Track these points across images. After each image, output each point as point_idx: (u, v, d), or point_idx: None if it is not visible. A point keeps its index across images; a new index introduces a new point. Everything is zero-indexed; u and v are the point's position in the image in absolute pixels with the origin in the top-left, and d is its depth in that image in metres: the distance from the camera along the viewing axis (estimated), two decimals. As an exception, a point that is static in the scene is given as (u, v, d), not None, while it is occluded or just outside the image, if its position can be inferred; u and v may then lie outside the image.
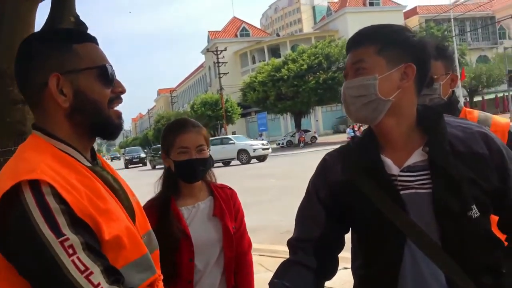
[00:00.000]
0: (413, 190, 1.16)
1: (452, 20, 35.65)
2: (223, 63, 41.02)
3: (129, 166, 36.96)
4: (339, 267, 1.32)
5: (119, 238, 0.95)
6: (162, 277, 1.14)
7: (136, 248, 1.00)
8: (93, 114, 1.03)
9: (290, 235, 1.33)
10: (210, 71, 60.00)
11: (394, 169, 1.18)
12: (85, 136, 1.06)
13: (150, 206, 1.75)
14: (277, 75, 35.91)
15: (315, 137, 37.47)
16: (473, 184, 1.12)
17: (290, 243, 1.31)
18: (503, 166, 1.15)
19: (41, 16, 2.57)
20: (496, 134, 1.33)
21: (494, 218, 1.22)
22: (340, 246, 1.31)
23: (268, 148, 24.32)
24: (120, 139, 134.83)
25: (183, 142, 1.73)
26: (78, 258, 0.86)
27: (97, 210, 0.93)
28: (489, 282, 1.14)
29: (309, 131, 39.22)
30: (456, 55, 30.31)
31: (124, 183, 1.12)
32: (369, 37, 1.19)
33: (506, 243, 1.22)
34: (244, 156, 23.46)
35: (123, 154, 46.04)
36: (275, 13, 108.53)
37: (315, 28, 61.56)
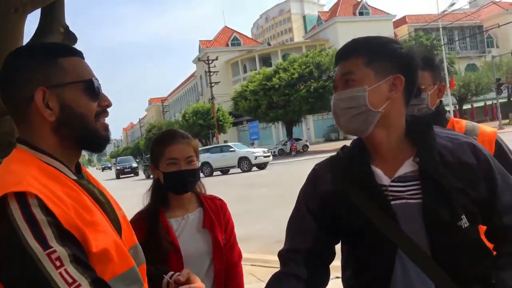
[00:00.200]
0: (404, 201, 1.16)
1: (440, 29, 36.07)
2: (214, 72, 41.00)
3: (121, 176, 35.36)
4: (331, 277, 1.32)
5: (107, 251, 0.94)
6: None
7: (124, 261, 0.99)
8: (79, 128, 1.03)
9: (282, 244, 1.33)
10: (201, 80, 60.08)
11: (384, 180, 1.19)
12: (71, 149, 1.05)
13: (139, 218, 1.74)
14: (269, 84, 35.97)
15: (306, 146, 37.60)
16: (462, 194, 1.13)
17: (281, 255, 1.31)
18: (490, 176, 1.17)
19: (30, 27, 2.57)
20: (483, 143, 1.34)
21: (482, 228, 1.22)
22: (331, 256, 1.31)
23: (269, 156, 24.21)
24: (111, 149, 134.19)
25: (172, 153, 1.72)
26: (65, 270, 0.85)
27: (84, 222, 0.92)
28: (479, 292, 1.14)
29: (301, 139, 39.38)
30: (445, 64, 30.64)
31: (110, 197, 1.11)
32: (357, 49, 1.20)
33: (494, 253, 1.22)
34: (245, 164, 23.33)
35: (114, 164, 45.01)
36: (266, 23, 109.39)
37: (306, 37, 61.94)
